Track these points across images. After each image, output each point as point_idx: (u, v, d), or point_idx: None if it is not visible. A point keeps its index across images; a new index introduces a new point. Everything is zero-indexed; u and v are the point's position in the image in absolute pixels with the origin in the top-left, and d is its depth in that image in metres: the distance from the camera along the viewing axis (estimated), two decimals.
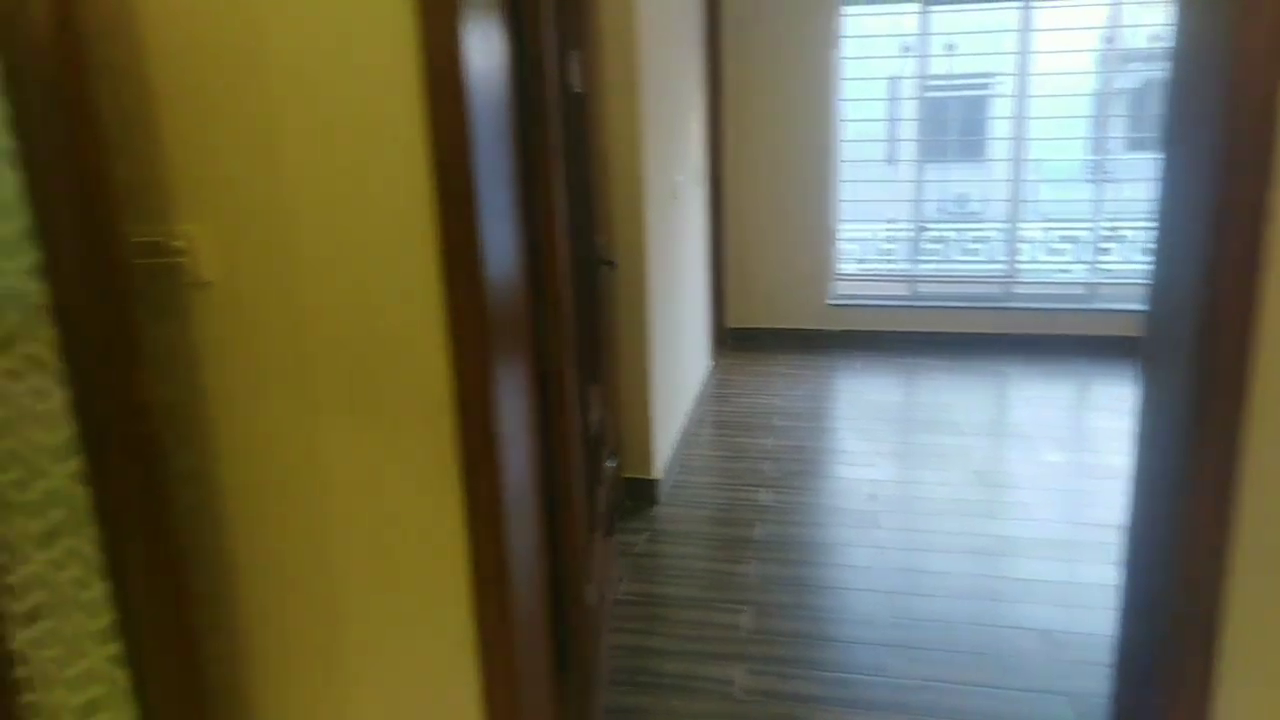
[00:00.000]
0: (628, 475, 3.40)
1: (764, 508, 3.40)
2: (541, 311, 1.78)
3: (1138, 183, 5.46)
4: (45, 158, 1.36)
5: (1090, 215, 5.49)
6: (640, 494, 3.41)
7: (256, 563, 1.62)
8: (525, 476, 1.61)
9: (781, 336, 5.60)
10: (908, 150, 5.63)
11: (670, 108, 3.72)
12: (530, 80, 1.63)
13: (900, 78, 5.80)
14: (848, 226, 5.68)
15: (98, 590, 1.57)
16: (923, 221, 5.68)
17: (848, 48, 5.33)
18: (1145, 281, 1.76)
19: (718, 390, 4.84)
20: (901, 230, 5.72)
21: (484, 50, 1.40)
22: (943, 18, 5.38)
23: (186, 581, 1.55)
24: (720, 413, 4.49)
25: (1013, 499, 3.45)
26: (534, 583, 1.67)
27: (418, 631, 1.58)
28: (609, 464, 2.77)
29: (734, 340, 5.59)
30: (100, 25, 1.40)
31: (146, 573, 1.52)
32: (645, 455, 3.41)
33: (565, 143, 1.94)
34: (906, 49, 5.46)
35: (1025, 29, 5.21)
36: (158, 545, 1.51)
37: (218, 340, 1.52)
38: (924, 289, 5.65)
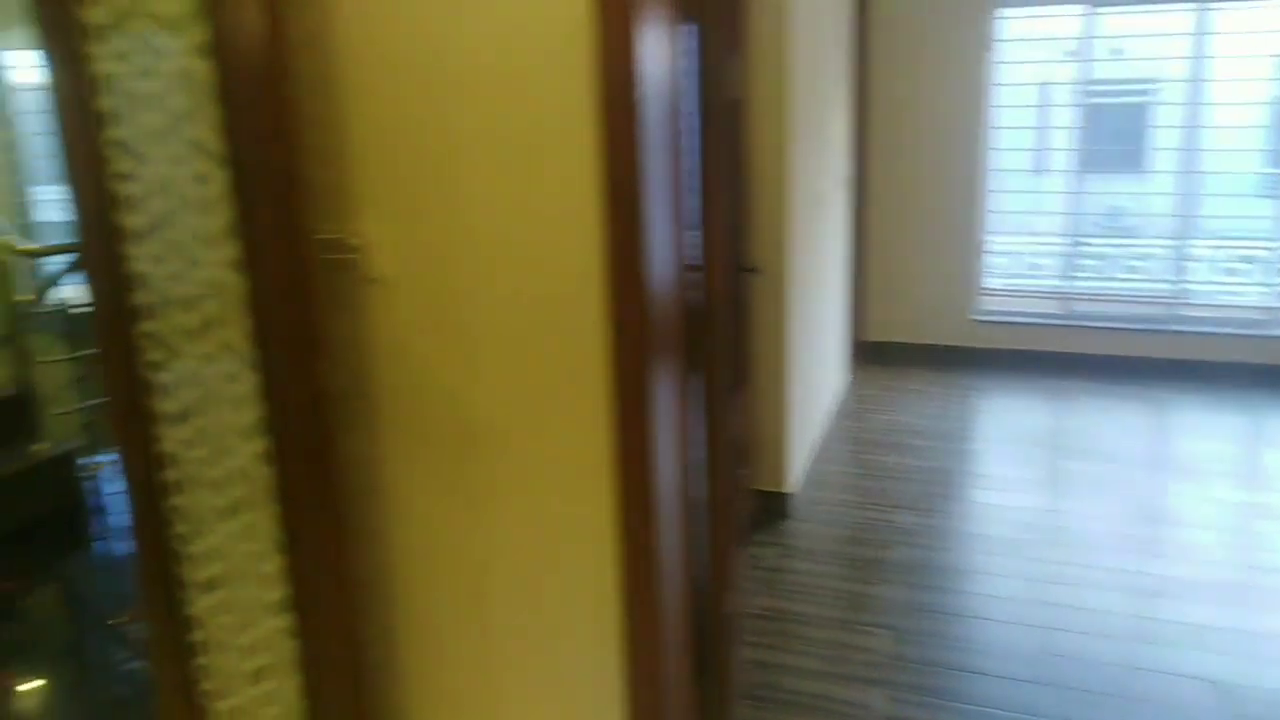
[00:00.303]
0: (759, 487, 3.36)
1: (902, 529, 3.29)
2: (698, 318, 1.78)
3: None
4: (249, 160, 1.47)
5: (1270, 234, 5.06)
6: (771, 507, 3.37)
7: (413, 546, 1.68)
8: (675, 481, 1.61)
9: (922, 352, 5.42)
10: (1062, 160, 5.35)
11: (817, 112, 3.66)
12: (699, 87, 1.64)
13: (1057, 83, 5.51)
14: (996, 239, 5.44)
15: (274, 564, 1.67)
16: (1079, 236, 5.37)
17: (1003, 52, 5.11)
18: None
19: (854, 405, 4.72)
20: (1055, 245, 5.43)
21: (657, 57, 1.41)
22: (1109, 20, 5.08)
23: (353, 562, 1.62)
24: (856, 429, 4.38)
25: (1176, 537, 3.21)
26: (679, 587, 1.66)
27: (564, 623, 1.61)
28: (741, 474, 2.74)
29: (872, 354, 5.44)
30: (301, 36, 1.49)
31: (319, 551, 1.61)
32: (778, 468, 3.36)
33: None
34: (1070, 53, 5.18)
35: (1200, 32, 4.86)
36: (330, 526, 1.59)
37: (387, 333, 1.60)
38: (1079, 308, 5.35)
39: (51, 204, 4.69)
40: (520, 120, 1.42)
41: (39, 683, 2.47)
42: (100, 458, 3.80)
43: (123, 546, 3.34)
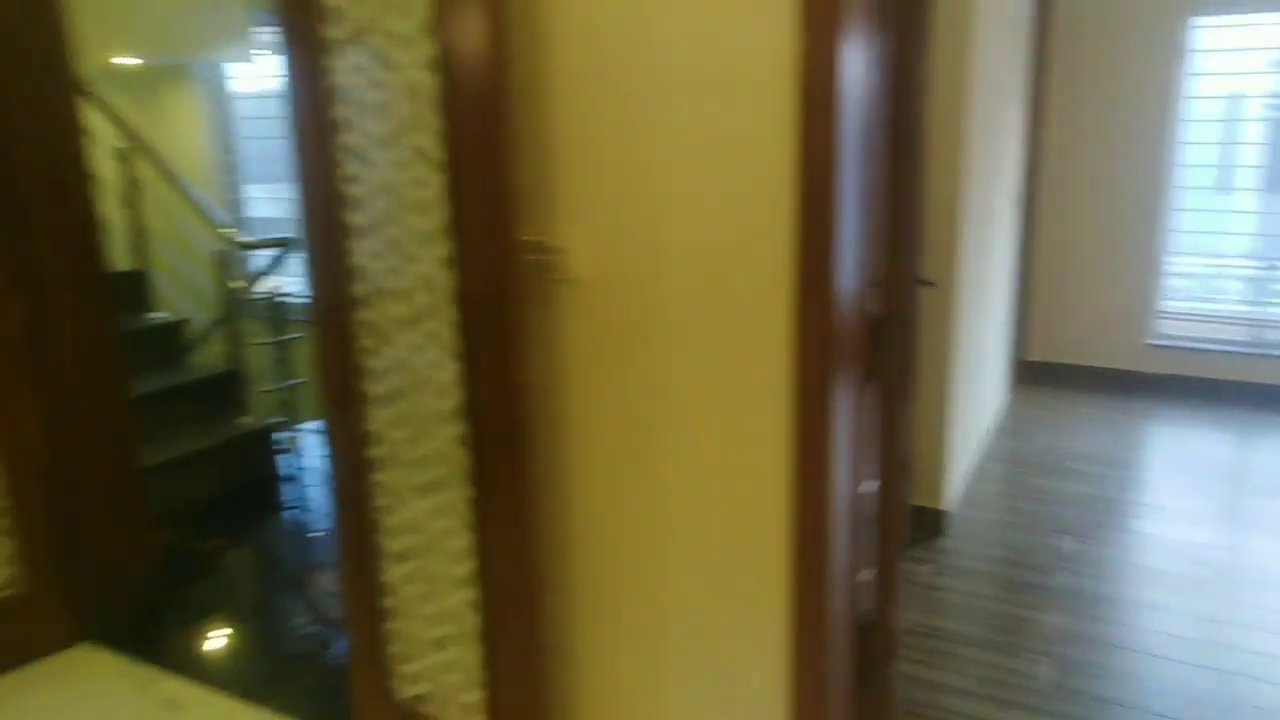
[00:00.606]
0: (915, 503, 3.30)
1: (1064, 556, 3.15)
2: (877, 329, 1.80)
3: None
4: (465, 166, 1.59)
5: None
6: (927, 523, 3.30)
7: (591, 534, 1.77)
8: (850, 488, 1.63)
9: (1090, 375, 5.15)
10: (1251, 177, 4.95)
11: (993, 125, 3.56)
12: (895, 96, 1.65)
13: (1249, 96, 5.10)
14: (1177, 260, 5.10)
15: (462, 541, 1.80)
16: (1271, 259, 4.96)
17: (1195, 63, 4.79)
18: None
19: (1014, 426, 4.55)
20: (1243, 268, 5.04)
21: (857, 68, 1.44)
22: None
23: (536, 545, 1.73)
24: (1016, 449, 4.22)
25: None
26: (848, 594, 1.68)
27: (733, 623, 1.66)
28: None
29: (1035, 374, 5.22)
30: (516, 51, 1.60)
31: (505, 532, 1.72)
32: (935, 484, 3.29)
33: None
34: (1274, 63, 4.80)
35: None
36: (517, 509, 1.70)
37: (579, 331, 1.69)
38: (1271, 335, 4.94)
39: (259, 202, 5.16)
40: (720, 129, 1.48)
41: (230, 630, 2.74)
42: (293, 433, 4.15)
43: (308, 516, 3.64)
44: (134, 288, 3.95)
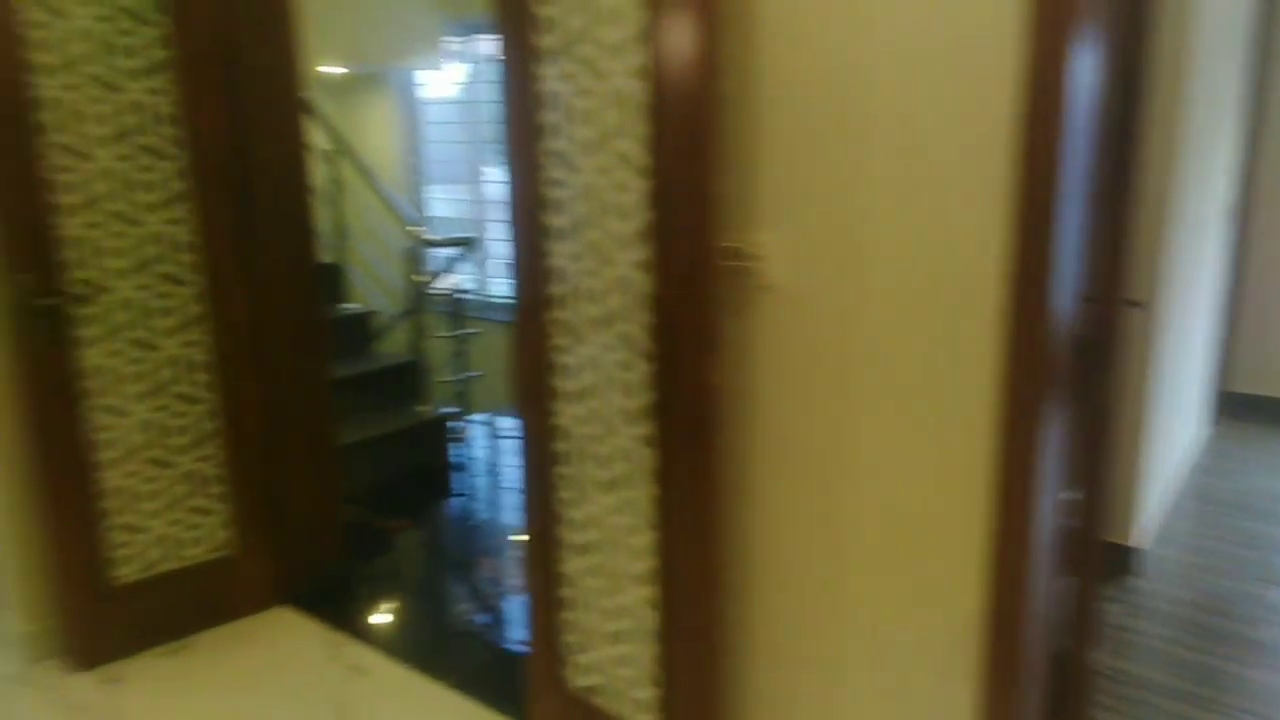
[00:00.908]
0: (1104, 538, 3.08)
1: (1272, 608, 2.87)
2: (1085, 352, 1.69)
3: None
4: (668, 172, 1.62)
5: None
6: (1116, 560, 3.08)
7: (772, 540, 1.76)
8: (1051, 515, 1.55)
9: None
10: None
11: (1208, 131, 3.29)
12: (1115, 100, 1.56)
13: None
14: None
15: (644, 539, 1.82)
16: None
17: None
18: None
19: (1215, 463, 4.18)
20: None
21: (1087, 72, 1.37)
22: None
23: (718, 547, 1.73)
24: (1217, 488, 3.87)
25: None
26: (1042, 627, 1.59)
27: (920, 644, 1.60)
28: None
29: (1239, 407, 4.77)
30: (725, 60, 1.61)
31: (687, 532, 1.73)
32: (1125, 519, 3.06)
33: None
34: None
35: None
36: (700, 510, 1.71)
37: (772, 338, 1.68)
38: None
39: (438, 202, 5.44)
40: (934, 137, 1.44)
41: (407, 606, 2.90)
42: (465, 423, 4.35)
43: (475, 504, 3.80)
44: (331, 280, 4.25)
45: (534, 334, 1.93)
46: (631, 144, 1.67)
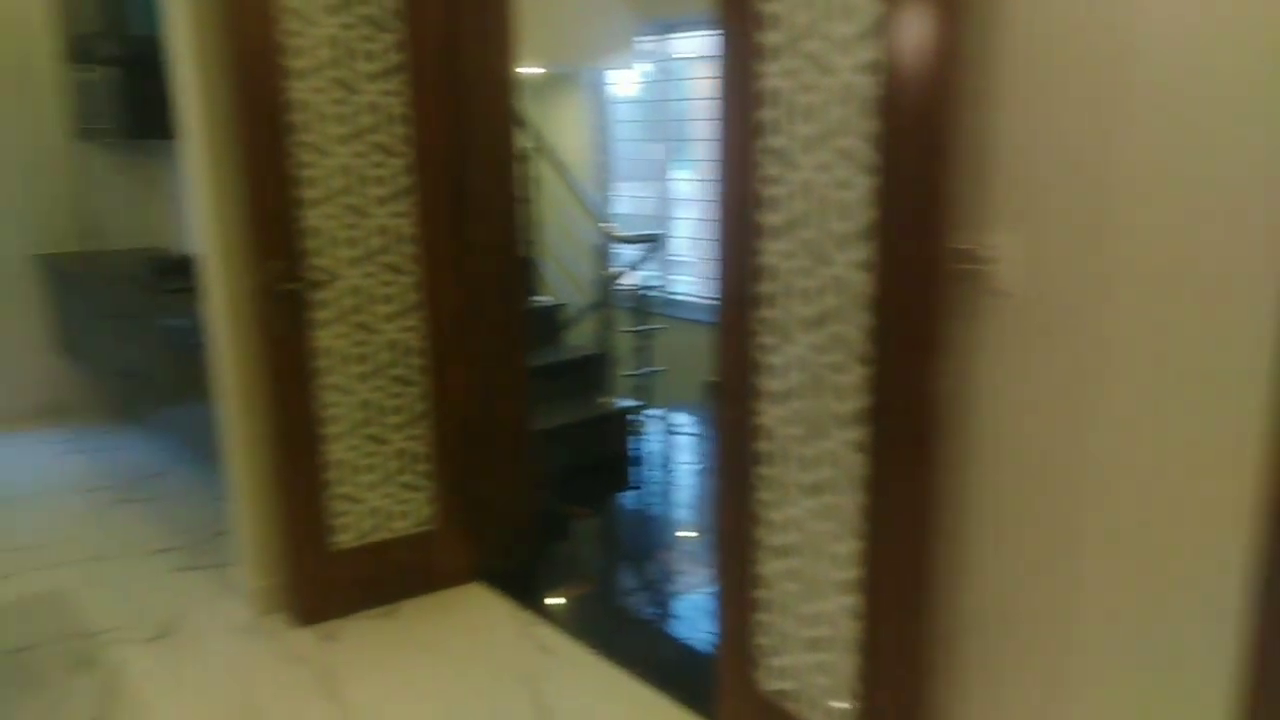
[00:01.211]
0: None
1: None
2: None
3: None
4: (897, 169, 1.57)
5: None
6: None
7: (991, 558, 1.67)
8: None
9: None
10: None
11: None
12: None
13: None
14: None
15: (848, 547, 1.78)
16: None
17: None
18: None
19: None
20: None
21: None
22: None
23: (931, 561, 1.67)
24: None
25: None
26: None
27: (1159, 684, 1.48)
28: None
29: None
30: (967, 51, 1.54)
31: (898, 545, 1.68)
32: None
33: None
34: None
35: None
36: (914, 524, 1.65)
37: (1002, 346, 1.59)
38: None
39: (623, 199, 5.55)
40: (1201, 138, 1.31)
41: (589, 592, 2.97)
42: (644, 417, 4.42)
43: (651, 497, 3.86)
44: (526, 273, 4.42)
45: (739, 331, 1.92)
46: (856, 140, 1.63)
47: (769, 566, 1.98)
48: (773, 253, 1.83)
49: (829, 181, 1.70)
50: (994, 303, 1.59)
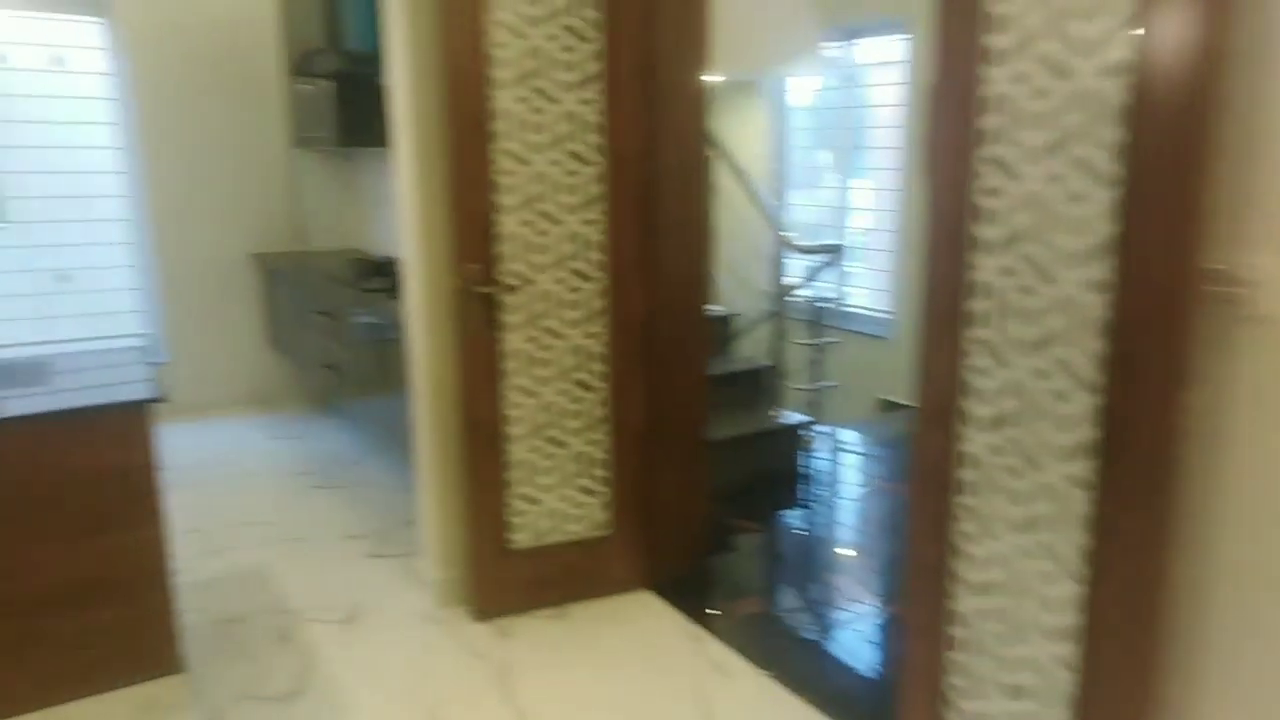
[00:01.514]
0: None
1: None
2: None
3: None
4: (1143, 182, 1.42)
5: None
6: None
7: (1233, 619, 1.49)
8: None
9: None
10: None
11: None
12: None
13: None
14: None
15: (1063, 590, 1.63)
16: None
17: None
18: None
19: None
20: None
21: None
22: None
23: (1165, 614, 1.50)
24: None
25: None
26: None
27: None
28: None
29: None
30: (1233, 49, 1.38)
31: (1127, 595, 1.52)
32: None
33: None
34: None
35: None
36: (1146, 570, 1.49)
37: (1259, 377, 1.42)
38: None
39: (797, 208, 5.46)
40: None
41: (762, 611, 2.90)
42: (816, 433, 4.31)
43: (821, 516, 3.74)
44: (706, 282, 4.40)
45: (946, 351, 1.81)
46: (1095, 149, 1.50)
47: (966, 603, 1.85)
48: (989, 269, 1.71)
49: (1059, 194, 1.57)
50: (1252, 331, 1.42)
